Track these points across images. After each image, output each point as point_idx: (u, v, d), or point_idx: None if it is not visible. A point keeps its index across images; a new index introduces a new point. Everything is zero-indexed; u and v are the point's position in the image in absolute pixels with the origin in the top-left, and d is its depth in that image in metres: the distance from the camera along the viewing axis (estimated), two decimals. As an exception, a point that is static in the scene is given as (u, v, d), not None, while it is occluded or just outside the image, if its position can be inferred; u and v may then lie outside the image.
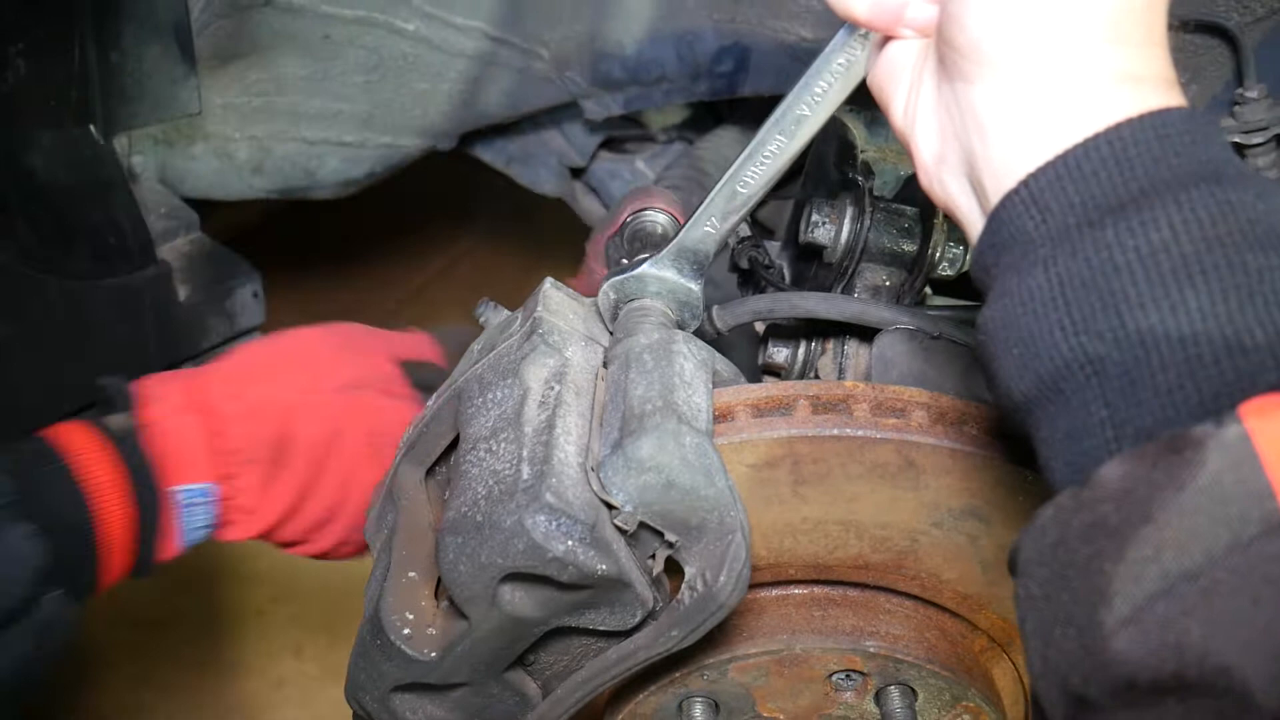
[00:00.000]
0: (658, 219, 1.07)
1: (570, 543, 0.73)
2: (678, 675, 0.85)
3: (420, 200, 2.77)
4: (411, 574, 0.84)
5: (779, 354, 1.03)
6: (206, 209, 1.54)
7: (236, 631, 2.11)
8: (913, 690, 0.86)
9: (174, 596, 2.14)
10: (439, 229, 2.77)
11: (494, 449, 0.79)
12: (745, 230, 1.08)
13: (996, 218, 0.60)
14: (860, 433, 0.77)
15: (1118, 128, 0.57)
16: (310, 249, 2.64)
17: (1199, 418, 0.51)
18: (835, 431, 0.77)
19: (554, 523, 0.73)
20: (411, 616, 0.82)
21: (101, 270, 1.27)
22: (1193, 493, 0.48)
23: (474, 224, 2.79)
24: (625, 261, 0.95)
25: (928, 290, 1.07)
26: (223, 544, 2.26)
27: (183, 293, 1.33)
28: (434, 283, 2.71)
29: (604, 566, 0.74)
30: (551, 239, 2.66)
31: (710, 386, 0.81)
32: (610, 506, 0.75)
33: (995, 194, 0.60)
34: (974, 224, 0.64)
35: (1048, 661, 0.54)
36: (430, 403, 0.92)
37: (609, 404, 0.80)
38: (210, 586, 2.17)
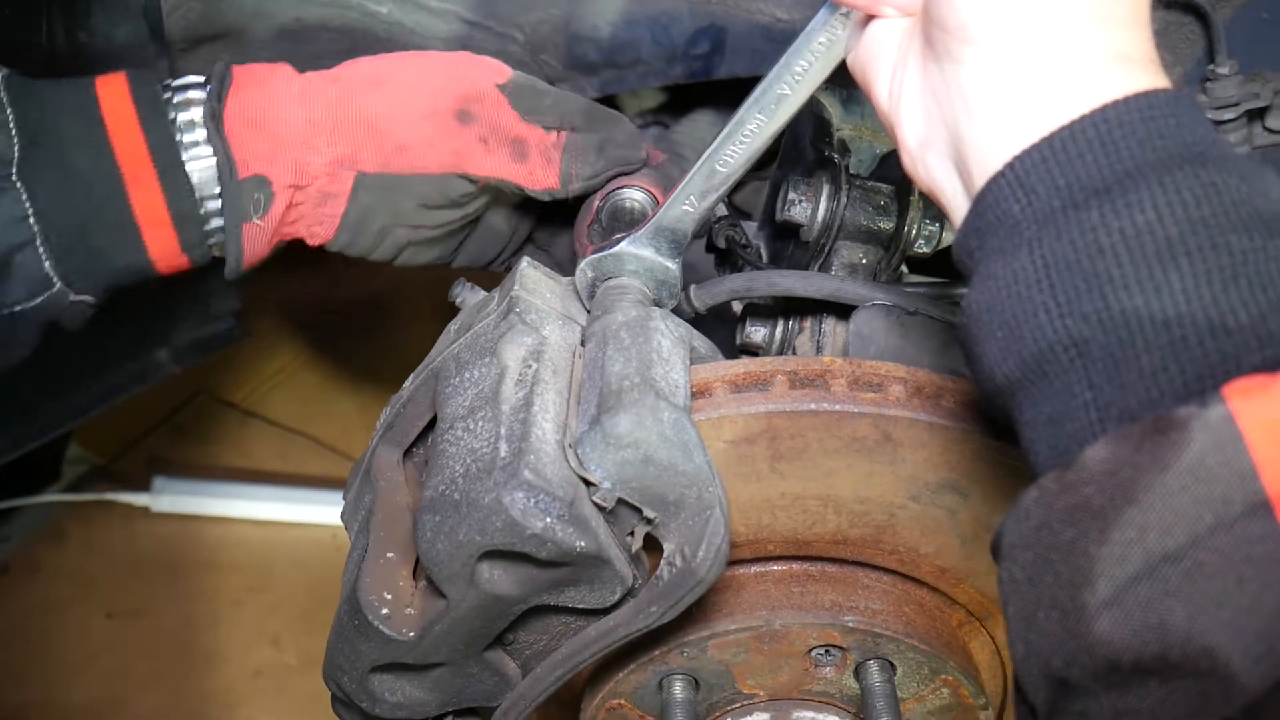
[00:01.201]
0: (635, 196, 1.07)
1: (548, 520, 0.73)
2: (657, 653, 0.85)
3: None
4: (390, 554, 0.84)
5: (757, 333, 1.03)
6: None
7: (213, 622, 2.09)
8: (892, 664, 0.86)
9: (149, 587, 2.13)
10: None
11: (471, 427, 0.78)
12: (723, 210, 1.08)
13: (982, 201, 0.60)
14: (837, 407, 0.77)
15: (1103, 109, 0.57)
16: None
17: (1183, 399, 0.51)
18: (812, 406, 0.77)
19: (532, 500, 0.72)
20: (390, 596, 0.81)
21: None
22: (1177, 474, 0.49)
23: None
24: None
25: (904, 269, 1.07)
26: (197, 535, 2.26)
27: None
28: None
29: (582, 543, 0.74)
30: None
31: (688, 363, 0.81)
32: (588, 483, 0.75)
33: (981, 176, 0.60)
34: (958, 207, 0.64)
35: (1030, 645, 0.54)
36: (407, 383, 0.92)
37: (586, 381, 0.80)
38: (186, 577, 2.16)
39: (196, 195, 0.91)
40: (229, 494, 2.25)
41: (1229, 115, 1.03)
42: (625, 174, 1.03)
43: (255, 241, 0.95)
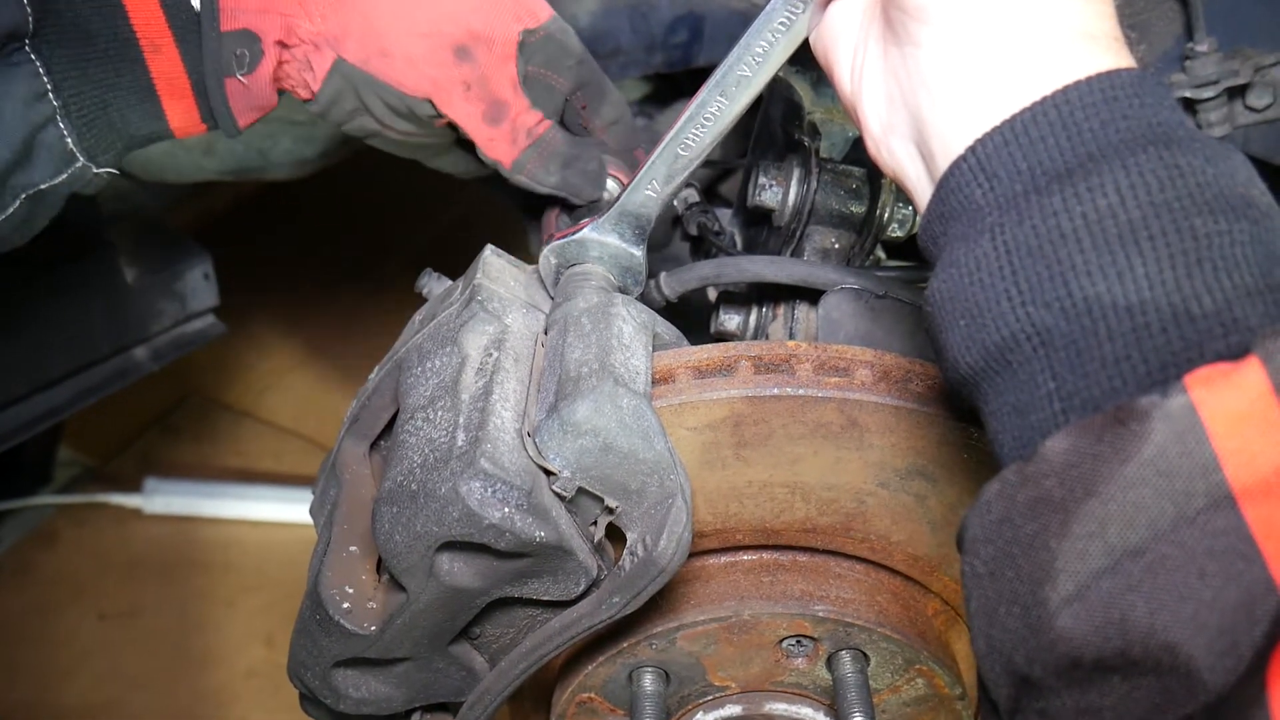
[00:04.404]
0: (610, 186, 1.06)
1: (507, 509, 0.71)
2: (626, 645, 0.84)
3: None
4: (352, 548, 0.83)
5: (731, 321, 1.01)
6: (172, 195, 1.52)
7: (206, 622, 2.09)
8: (864, 655, 0.84)
9: (142, 589, 2.12)
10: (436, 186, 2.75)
11: (431, 417, 0.77)
12: (694, 197, 1.06)
13: (944, 186, 0.59)
14: (801, 392, 0.76)
15: (1065, 90, 0.56)
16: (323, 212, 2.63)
17: (1146, 388, 0.50)
18: (775, 391, 0.76)
19: (489, 489, 0.71)
20: (351, 591, 0.80)
21: (46, 252, 1.24)
22: (1137, 465, 0.47)
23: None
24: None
25: (883, 255, 1.05)
26: (189, 536, 2.26)
27: (130, 275, 1.31)
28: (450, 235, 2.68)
29: (542, 533, 0.72)
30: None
31: (650, 349, 0.80)
32: (548, 472, 0.73)
33: (944, 161, 0.59)
34: (923, 193, 0.63)
35: (992, 641, 0.53)
36: (373, 375, 0.90)
37: (547, 369, 0.79)
38: (179, 578, 2.16)
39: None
40: (221, 495, 2.25)
41: (1209, 93, 1.01)
42: (566, 204, 1.02)
43: (248, 97, 0.93)
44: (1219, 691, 0.46)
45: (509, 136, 0.96)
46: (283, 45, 0.91)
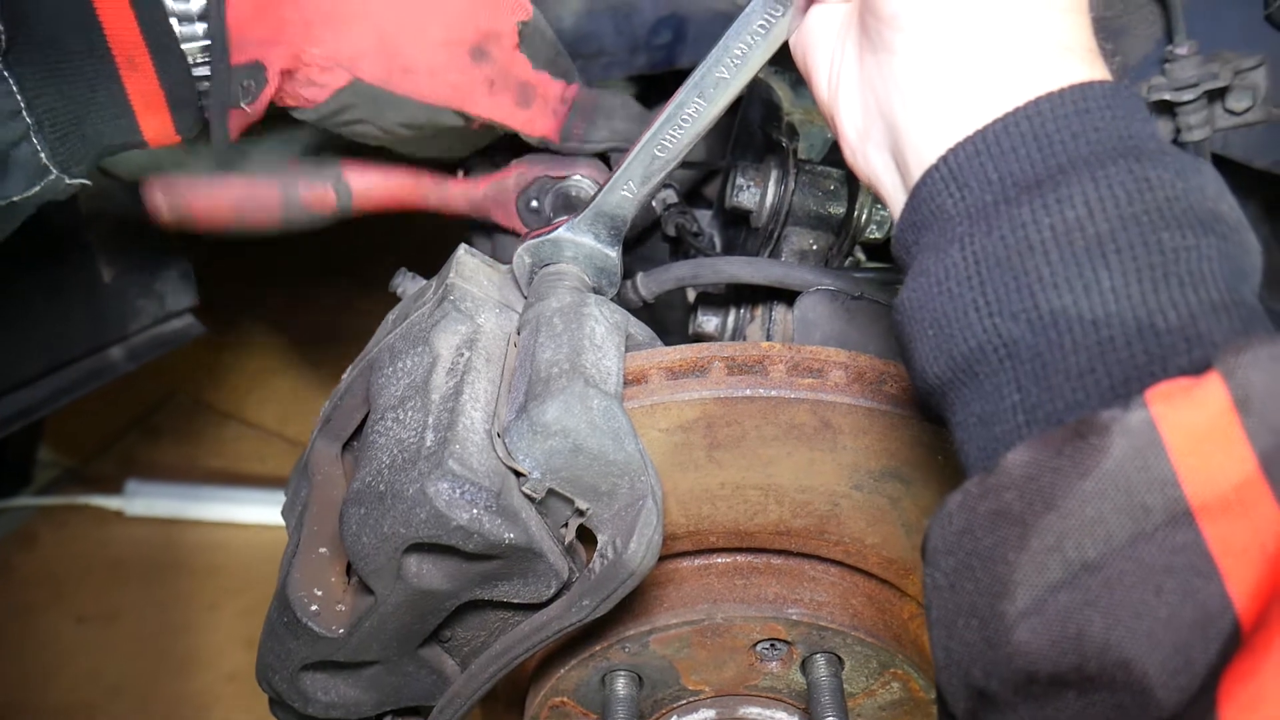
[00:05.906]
0: (584, 185, 1.05)
1: (475, 511, 0.71)
2: (598, 648, 0.83)
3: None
4: (322, 550, 0.82)
5: (709, 322, 1.01)
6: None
7: (187, 626, 2.08)
8: (839, 658, 0.84)
9: (122, 592, 2.11)
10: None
11: (401, 418, 0.77)
12: (673, 198, 1.06)
13: (917, 195, 0.58)
14: (774, 393, 0.75)
15: (1037, 102, 0.55)
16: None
17: (1109, 402, 0.49)
18: (748, 392, 0.75)
19: (457, 490, 0.70)
20: (320, 593, 0.79)
21: (23, 250, 1.23)
22: (1096, 480, 0.47)
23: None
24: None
25: (863, 257, 1.05)
26: (171, 538, 2.23)
27: (107, 273, 1.30)
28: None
29: (511, 535, 0.72)
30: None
31: (622, 349, 0.79)
32: (518, 474, 0.73)
33: (917, 169, 0.59)
34: (897, 201, 0.63)
35: (950, 653, 0.52)
36: (345, 375, 0.90)
37: (518, 369, 0.78)
38: (160, 581, 2.14)
39: (193, 75, 0.89)
40: (203, 497, 2.23)
41: (1188, 96, 1.01)
42: (622, 150, 1.01)
43: (244, 119, 0.93)
44: (1172, 709, 0.45)
45: (545, 110, 0.97)
46: (288, 73, 0.91)
